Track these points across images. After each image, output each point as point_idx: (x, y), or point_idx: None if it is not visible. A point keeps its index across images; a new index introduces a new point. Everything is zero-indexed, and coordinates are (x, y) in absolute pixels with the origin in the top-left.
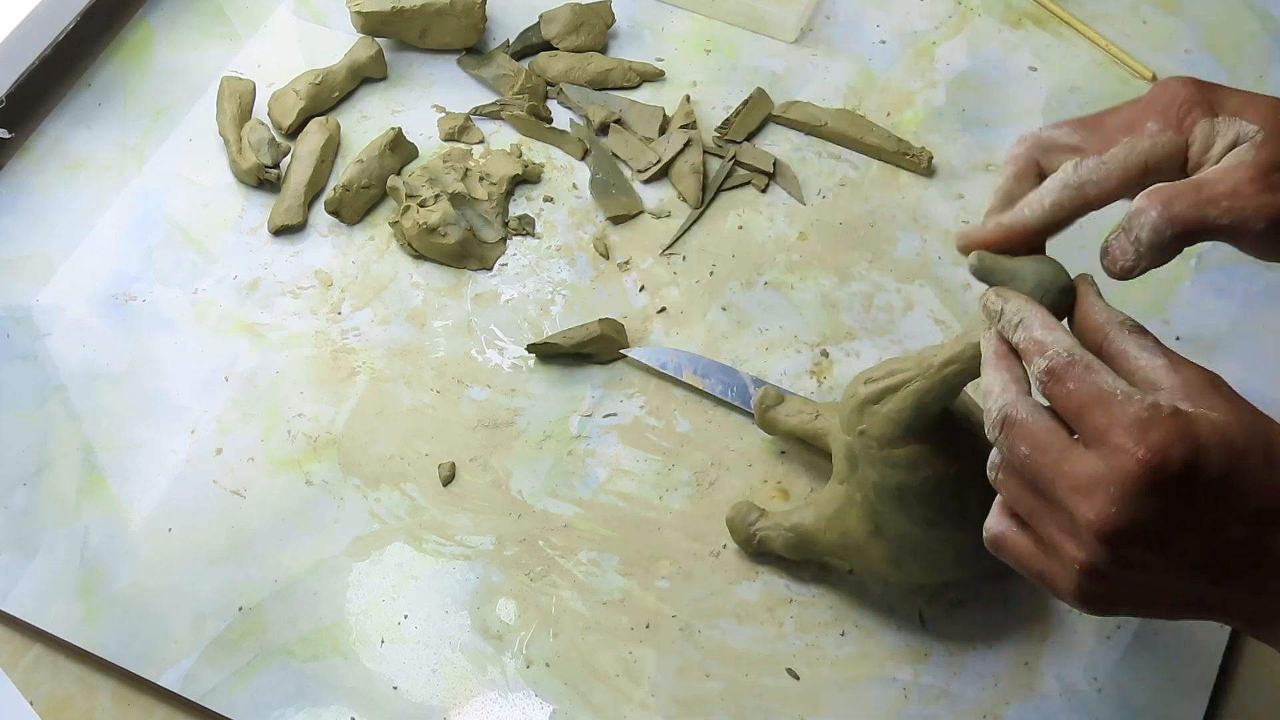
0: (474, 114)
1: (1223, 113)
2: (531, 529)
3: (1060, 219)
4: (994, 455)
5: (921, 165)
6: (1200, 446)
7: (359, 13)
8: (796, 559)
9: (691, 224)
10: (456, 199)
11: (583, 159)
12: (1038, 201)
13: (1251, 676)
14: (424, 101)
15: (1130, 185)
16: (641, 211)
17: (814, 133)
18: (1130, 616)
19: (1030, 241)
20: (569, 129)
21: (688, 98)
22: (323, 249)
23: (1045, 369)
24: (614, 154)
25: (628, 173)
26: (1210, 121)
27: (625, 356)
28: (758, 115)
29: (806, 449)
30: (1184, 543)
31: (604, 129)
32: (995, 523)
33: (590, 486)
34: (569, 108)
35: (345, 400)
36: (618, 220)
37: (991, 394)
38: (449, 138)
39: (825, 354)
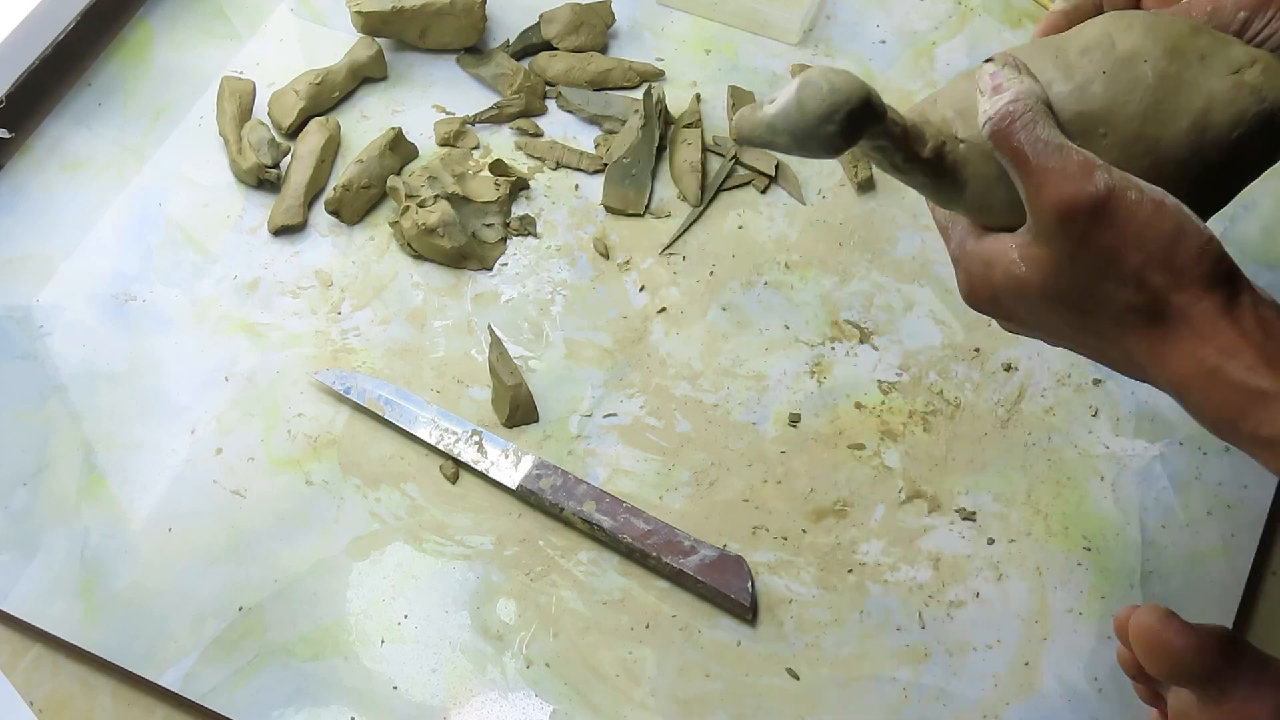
0: (472, 123)
1: None
2: (531, 529)
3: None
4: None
5: None
6: (994, 292)
7: (359, 13)
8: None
9: (691, 224)
10: (456, 199)
11: (584, 168)
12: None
13: None
14: (424, 101)
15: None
16: (637, 214)
17: None
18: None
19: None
20: (599, 129)
21: (698, 97)
22: (323, 249)
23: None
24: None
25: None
26: None
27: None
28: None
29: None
30: (1038, 327)
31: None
32: None
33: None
34: (570, 110)
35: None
36: (612, 211)
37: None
38: (445, 143)
39: (826, 354)
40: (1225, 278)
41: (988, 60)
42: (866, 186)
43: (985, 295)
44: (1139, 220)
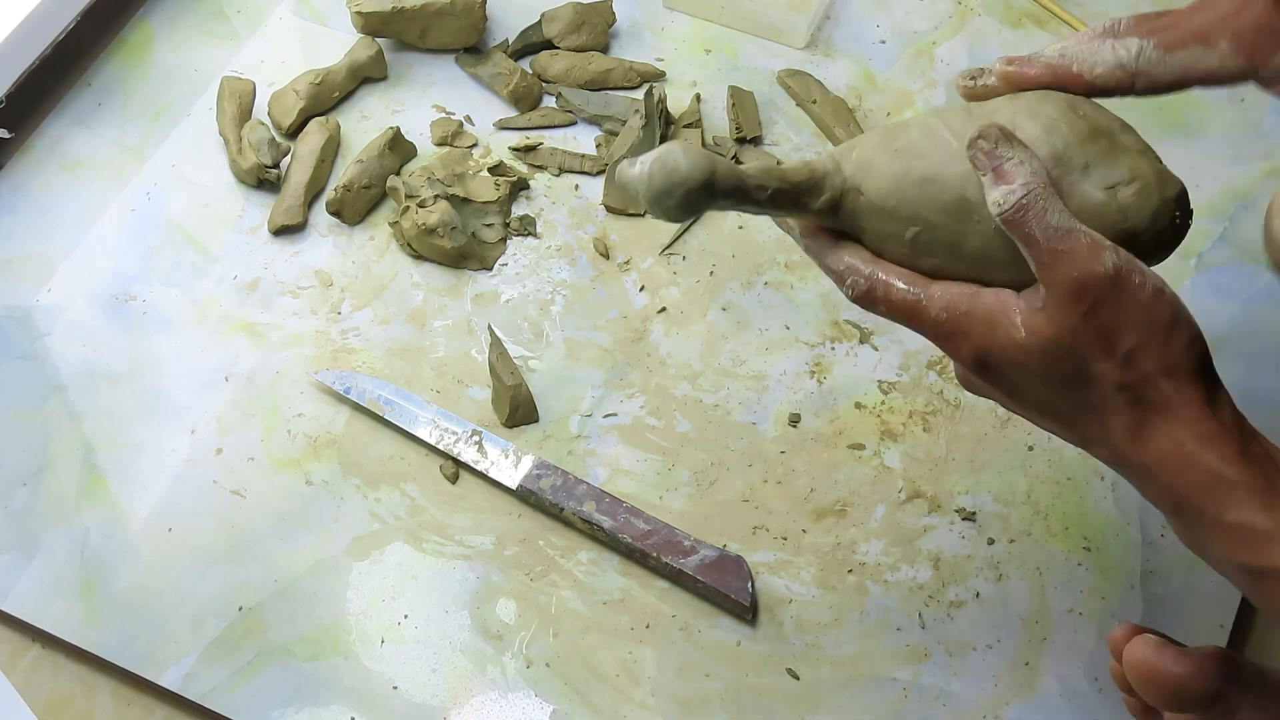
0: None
1: None
2: (531, 529)
3: (1099, 92)
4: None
5: None
6: (988, 352)
7: (359, 13)
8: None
9: (691, 224)
10: (456, 199)
11: (586, 170)
12: (1088, 68)
13: None
14: (424, 101)
15: (1182, 88)
16: (638, 214)
17: (803, 106)
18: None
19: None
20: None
21: (698, 97)
22: (323, 249)
23: (855, 297)
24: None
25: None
26: None
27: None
28: (751, 109)
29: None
30: (1019, 395)
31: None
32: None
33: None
34: (570, 111)
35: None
36: (612, 211)
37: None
38: (441, 142)
39: (826, 354)
40: (1209, 374)
41: (978, 137)
42: None
43: (978, 351)
44: (1139, 302)
